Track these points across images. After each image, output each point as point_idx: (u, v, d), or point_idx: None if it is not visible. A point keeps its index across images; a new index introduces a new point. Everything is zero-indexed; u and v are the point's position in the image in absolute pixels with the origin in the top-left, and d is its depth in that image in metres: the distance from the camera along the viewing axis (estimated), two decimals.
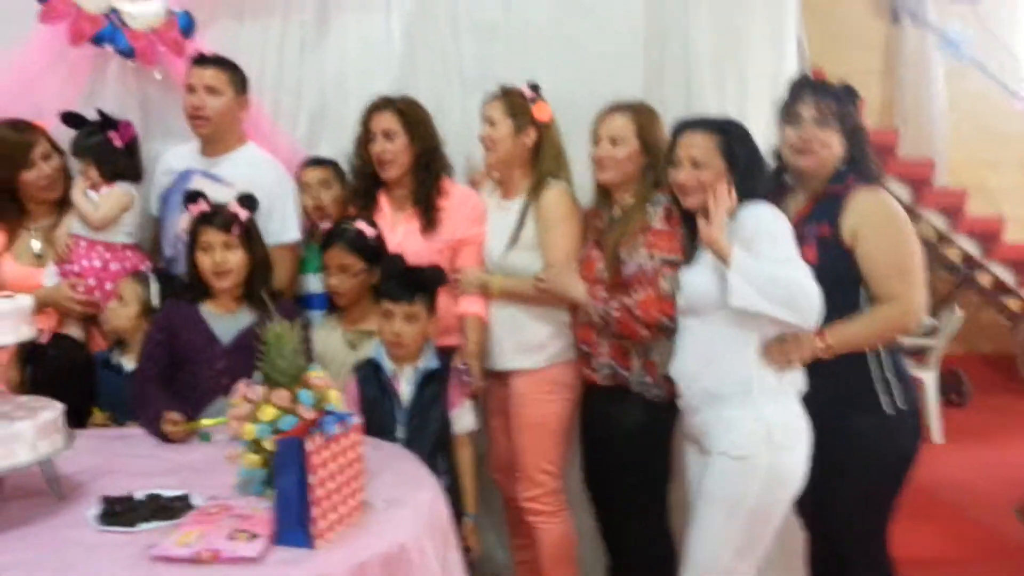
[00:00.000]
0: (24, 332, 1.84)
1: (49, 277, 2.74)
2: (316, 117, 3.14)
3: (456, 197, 2.88)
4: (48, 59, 2.91)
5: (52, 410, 1.92)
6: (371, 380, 2.53)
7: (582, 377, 2.76)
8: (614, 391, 2.63)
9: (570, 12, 3.08)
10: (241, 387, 1.99)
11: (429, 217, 2.81)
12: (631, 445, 2.60)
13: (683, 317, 2.41)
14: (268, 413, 1.89)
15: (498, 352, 2.82)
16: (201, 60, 2.82)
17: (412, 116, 2.81)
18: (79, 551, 1.70)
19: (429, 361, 2.56)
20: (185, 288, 2.67)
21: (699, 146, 2.33)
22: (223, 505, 1.81)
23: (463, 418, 2.60)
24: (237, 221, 2.58)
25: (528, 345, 2.78)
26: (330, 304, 2.83)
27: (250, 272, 2.59)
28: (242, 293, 2.60)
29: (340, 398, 2.01)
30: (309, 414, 1.90)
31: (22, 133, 2.75)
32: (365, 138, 2.83)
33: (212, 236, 2.55)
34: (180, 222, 2.79)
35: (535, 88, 2.79)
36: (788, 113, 2.45)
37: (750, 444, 2.22)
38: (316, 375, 1.99)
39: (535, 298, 2.73)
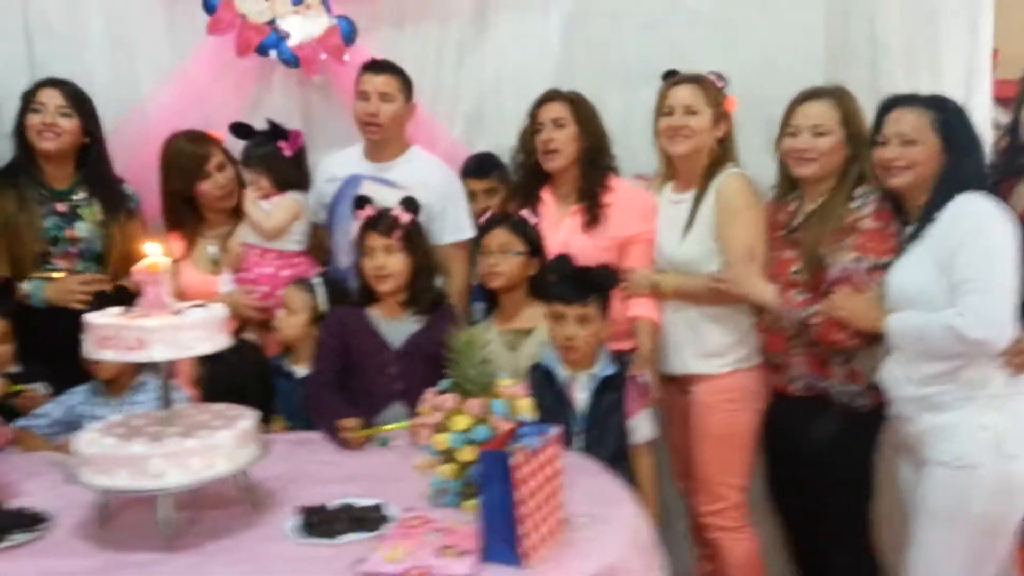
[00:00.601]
0: (220, 341, 1.84)
1: (224, 284, 2.79)
2: (472, 119, 3.12)
3: (623, 192, 2.76)
4: (215, 70, 2.99)
5: (248, 419, 1.92)
6: (543, 387, 2.41)
7: (770, 385, 2.58)
8: (811, 402, 2.45)
9: (742, 3, 2.95)
10: (429, 395, 1.94)
11: (594, 213, 2.71)
12: (832, 458, 2.40)
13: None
14: (461, 423, 1.84)
15: (676, 357, 2.67)
16: (374, 66, 2.81)
17: (583, 108, 2.74)
18: (284, 565, 1.69)
19: (605, 367, 2.44)
20: (344, 293, 2.68)
21: (910, 123, 2.15)
22: (422, 518, 1.77)
23: (641, 427, 2.46)
24: (399, 225, 2.56)
25: (709, 350, 2.62)
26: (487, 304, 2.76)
27: (413, 276, 2.56)
28: (407, 297, 2.58)
29: (531, 407, 1.93)
30: (503, 424, 1.83)
31: (198, 145, 2.81)
32: (532, 129, 2.75)
33: (374, 240, 2.54)
34: (353, 228, 2.79)
35: (723, 79, 2.65)
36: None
37: (974, 453, 2.03)
38: (506, 384, 1.93)
39: (713, 298, 2.56)
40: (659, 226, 2.71)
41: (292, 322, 2.66)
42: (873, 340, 2.30)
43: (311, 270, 2.85)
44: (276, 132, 2.86)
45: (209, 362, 2.49)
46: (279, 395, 2.67)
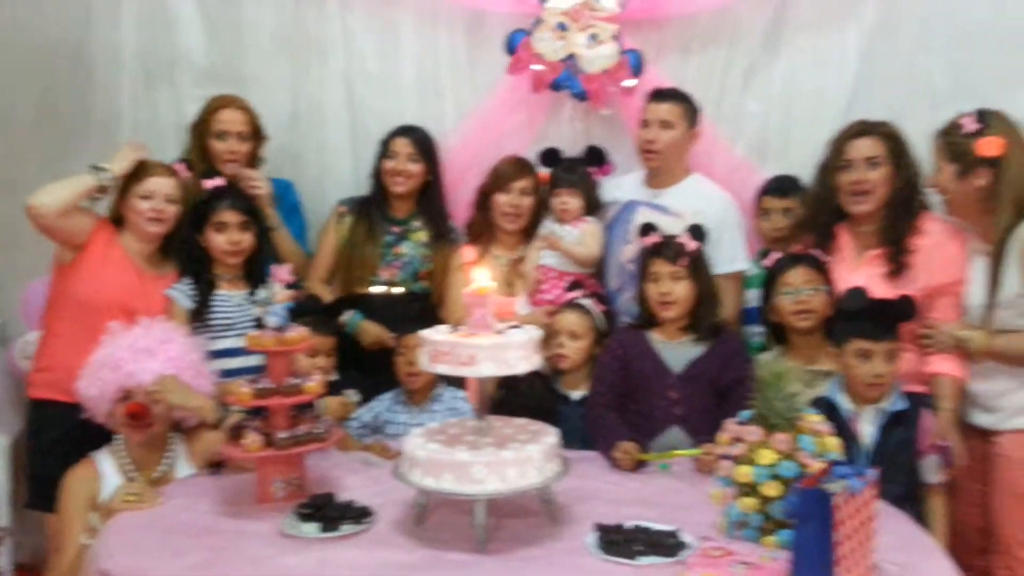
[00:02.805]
0: (535, 361, 1.97)
1: (522, 306, 2.96)
2: (756, 144, 3.09)
3: (935, 236, 2.55)
4: (511, 106, 3.20)
5: (551, 435, 2.02)
6: (827, 420, 2.35)
7: None
8: None
9: None
10: (730, 425, 1.94)
11: (899, 261, 2.53)
12: None
13: None
14: (767, 456, 1.81)
15: (983, 410, 2.47)
16: (658, 95, 2.89)
17: (899, 144, 2.57)
18: None
19: (895, 402, 2.32)
20: (611, 316, 2.77)
21: None
22: (725, 549, 1.77)
23: (934, 469, 2.32)
24: (685, 252, 2.58)
25: (1021, 407, 2.39)
26: (775, 337, 2.70)
27: (696, 302, 2.58)
28: (689, 323, 2.59)
29: (838, 445, 1.87)
30: (810, 461, 1.79)
31: (518, 166, 3.03)
32: (835, 165, 2.60)
33: (660, 267, 2.58)
34: (625, 252, 2.86)
35: (982, 119, 2.39)
36: None
37: None
38: (815, 419, 1.88)
39: None
40: (969, 277, 2.50)
41: (575, 346, 2.75)
42: None
43: (597, 291, 2.94)
44: (593, 157, 3.03)
45: (506, 383, 2.66)
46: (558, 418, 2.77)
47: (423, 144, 3.07)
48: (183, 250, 2.79)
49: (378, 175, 3.10)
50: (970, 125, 2.40)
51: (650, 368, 2.57)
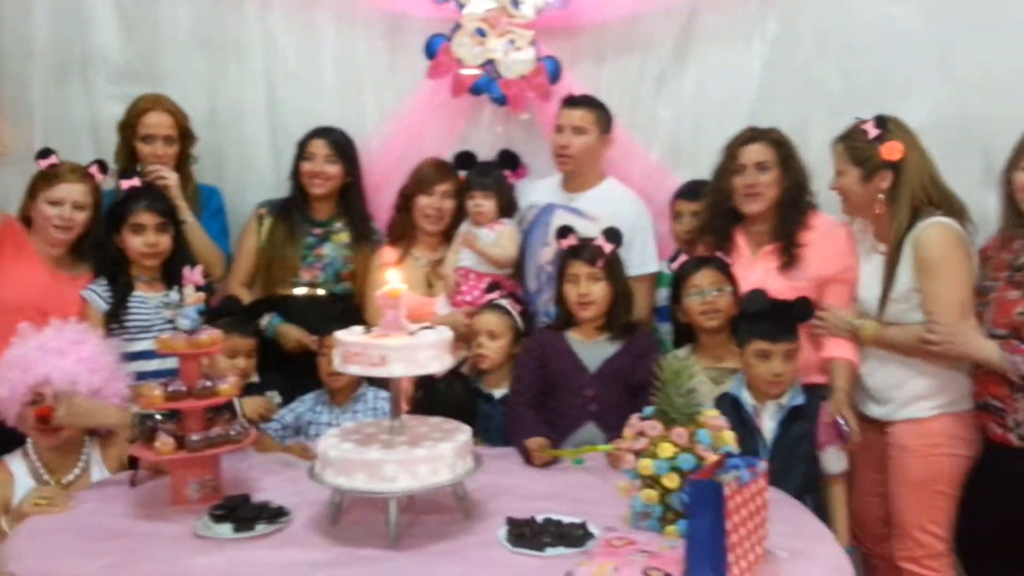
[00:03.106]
0: (447, 361, 2.02)
1: (442, 307, 3.01)
2: (668, 149, 3.20)
3: (823, 229, 2.72)
4: (431, 109, 3.24)
5: (464, 433, 2.08)
6: (730, 415, 2.42)
7: (986, 433, 2.47)
8: None
9: (957, 22, 2.86)
10: (635, 421, 2.02)
11: (791, 254, 2.68)
12: None
13: None
14: (667, 450, 1.90)
15: (879, 405, 2.61)
16: (571, 102, 2.97)
17: (786, 148, 2.72)
18: (500, 571, 1.82)
19: (794, 397, 2.45)
20: (530, 316, 2.87)
21: None
22: (627, 539, 1.84)
23: (834, 460, 2.46)
24: (602, 255, 2.67)
25: (914, 394, 2.54)
26: (683, 336, 2.81)
27: (612, 303, 2.68)
28: (604, 323, 2.69)
29: (733, 439, 1.97)
30: (707, 454, 1.89)
31: (436, 168, 3.08)
32: (729, 169, 2.74)
33: (579, 268, 2.67)
34: (544, 254, 2.93)
35: (881, 124, 2.54)
36: None
37: None
38: (711, 414, 1.98)
39: (919, 352, 2.47)
40: (862, 276, 2.65)
41: (495, 346, 2.81)
42: None
43: (515, 291, 3.01)
44: (507, 160, 3.10)
45: (424, 383, 2.70)
46: (480, 416, 2.83)
47: (340, 146, 3.09)
48: (98, 251, 2.76)
49: (297, 177, 3.12)
50: (872, 131, 2.54)
51: (567, 367, 2.66)
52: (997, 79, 2.81)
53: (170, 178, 2.98)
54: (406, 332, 1.95)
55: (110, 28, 3.35)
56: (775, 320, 2.45)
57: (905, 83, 2.87)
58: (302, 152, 3.10)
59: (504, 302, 2.87)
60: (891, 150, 2.51)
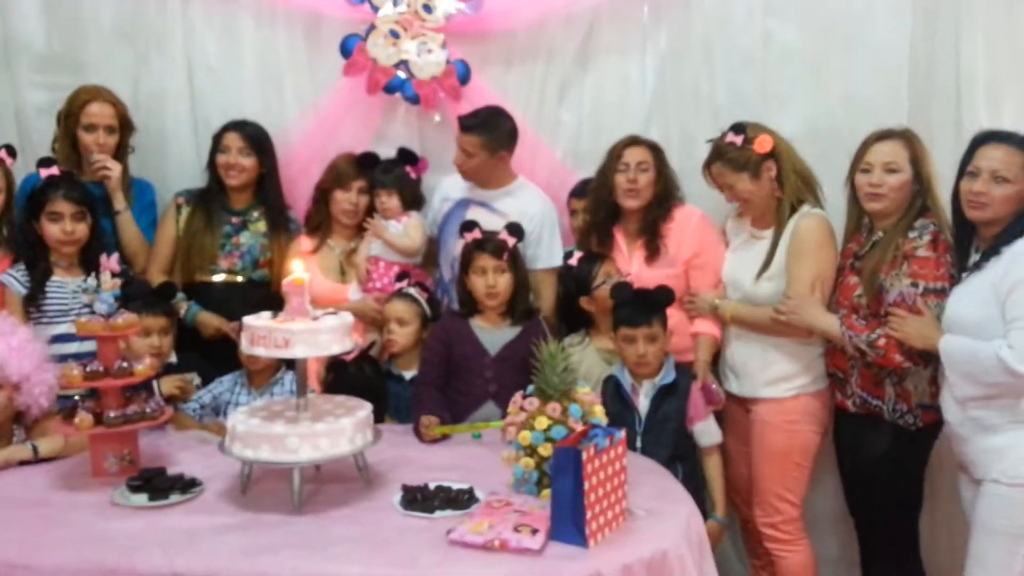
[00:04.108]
0: (348, 343, 2.21)
1: (353, 293, 3.19)
2: (570, 151, 3.41)
3: (679, 219, 2.97)
4: (347, 105, 3.39)
5: (365, 410, 2.28)
6: (613, 395, 2.73)
7: (834, 404, 2.77)
8: (865, 419, 2.64)
9: (829, 39, 3.13)
10: (518, 398, 2.25)
11: (654, 244, 2.95)
12: (882, 473, 2.60)
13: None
14: (542, 423, 2.14)
15: (743, 381, 2.89)
16: (461, 124, 3.10)
17: (661, 154, 3.00)
18: (391, 531, 2.03)
19: (666, 376, 2.71)
20: (437, 303, 3.07)
21: (1003, 160, 2.29)
22: (504, 500, 2.08)
23: (710, 431, 2.73)
24: (506, 248, 2.89)
25: (775, 376, 2.82)
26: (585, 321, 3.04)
27: (514, 292, 2.91)
28: (506, 310, 2.91)
29: (602, 412, 2.22)
30: (577, 426, 2.13)
31: (353, 164, 3.23)
32: (612, 168, 2.97)
33: (485, 261, 2.88)
34: (458, 246, 3.14)
35: (740, 130, 2.78)
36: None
37: None
38: (583, 391, 2.22)
39: (777, 330, 2.75)
40: (736, 260, 2.92)
41: (404, 331, 3.00)
42: (927, 362, 2.48)
43: (424, 281, 3.21)
44: (406, 157, 3.26)
45: (335, 366, 2.89)
46: (391, 396, 3.02)
47: (254, 139, 3.22)
48: (15, 236, 2.85)
49: (213, 168, 3.25)
50: (735, 138, 2.79)
51: (469, 350, 2.87)
52: (862, 92, 3.09)
53: (114, 170, 3.12)
54: (310, 317, 2.13)
55: (33, 16, 3.42)
56: (636, 307, 2.70)
57: (784, 95, 3.14)
58: (217, 145, 3.23)
59: (412, 290, 3.07)
60: (763, 143, 2.76)
